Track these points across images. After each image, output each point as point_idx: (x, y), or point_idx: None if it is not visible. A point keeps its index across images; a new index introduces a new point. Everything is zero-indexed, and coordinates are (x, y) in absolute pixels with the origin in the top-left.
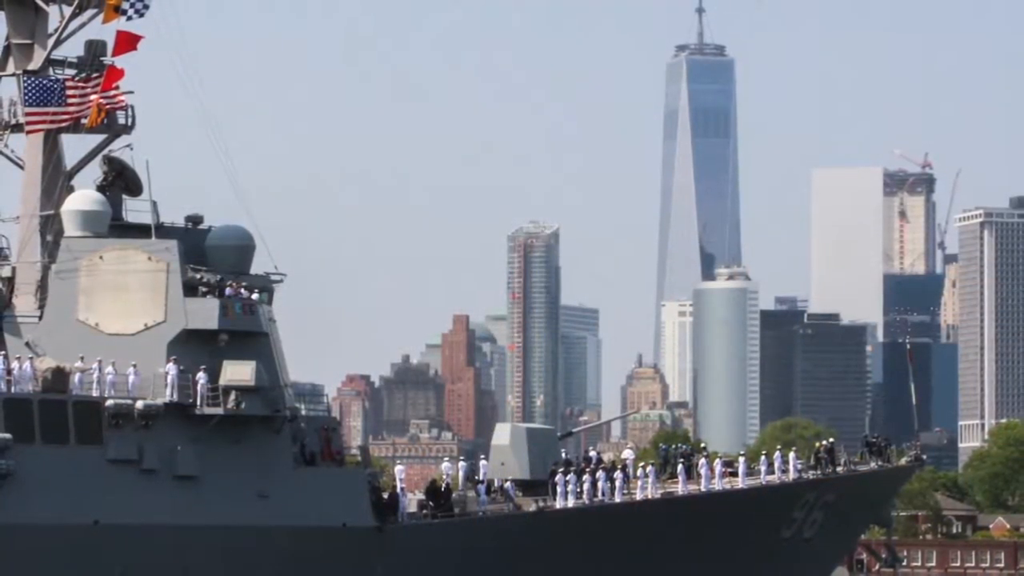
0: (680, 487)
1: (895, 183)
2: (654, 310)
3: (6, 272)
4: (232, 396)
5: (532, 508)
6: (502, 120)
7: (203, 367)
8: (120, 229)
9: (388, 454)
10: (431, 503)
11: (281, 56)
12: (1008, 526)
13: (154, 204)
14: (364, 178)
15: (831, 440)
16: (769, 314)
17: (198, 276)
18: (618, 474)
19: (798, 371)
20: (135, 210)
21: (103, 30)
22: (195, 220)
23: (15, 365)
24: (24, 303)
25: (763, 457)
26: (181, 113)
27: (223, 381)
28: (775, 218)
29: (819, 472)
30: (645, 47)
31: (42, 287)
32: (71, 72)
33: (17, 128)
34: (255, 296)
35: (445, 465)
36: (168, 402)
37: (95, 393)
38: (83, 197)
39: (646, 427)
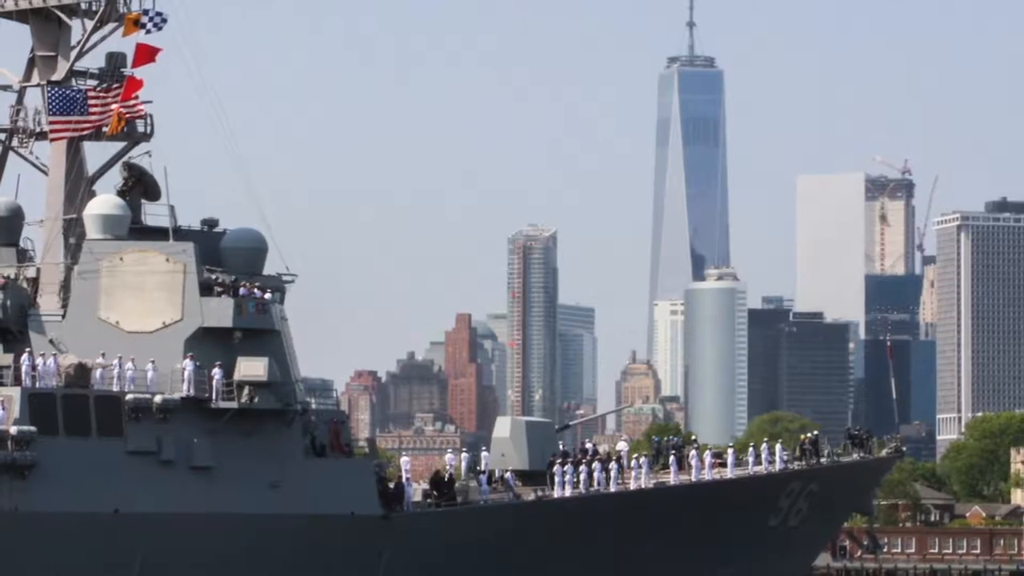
0: (672, 477)
1: (876, 188)
2: (647, 309)
3: (31, 273)
4: (246, 391)
5: (531, 497)
6: (504, 129)
7: (218, 363)
8: (139, 232)
9: (394, 446)
10: (435, 492)
11: (290, 63)
12: (984, 514)
13: (172, 208)
14: (371, 184)
15: (815, 433)
16: (756, 313)
17: (214, 277)
18: (613, 465)
19: (784, 367)
20: (153, 214)
21: (123, 43)
22: (211, 224)
23: (39, 361)
24: (48, 302)
25: (751, 449)
26: (197, 121)
27: (237, 376)
28: (762, 222)
29: (804, 463)
30: (638, 59)
31: (65, 287)
32: (93, 83)
33: (41, 136)
34: (268, 296)
35: (448, 456)
36: (185, 396)
37: (115, 388)
38: (104, 202)
39: (639, 420)
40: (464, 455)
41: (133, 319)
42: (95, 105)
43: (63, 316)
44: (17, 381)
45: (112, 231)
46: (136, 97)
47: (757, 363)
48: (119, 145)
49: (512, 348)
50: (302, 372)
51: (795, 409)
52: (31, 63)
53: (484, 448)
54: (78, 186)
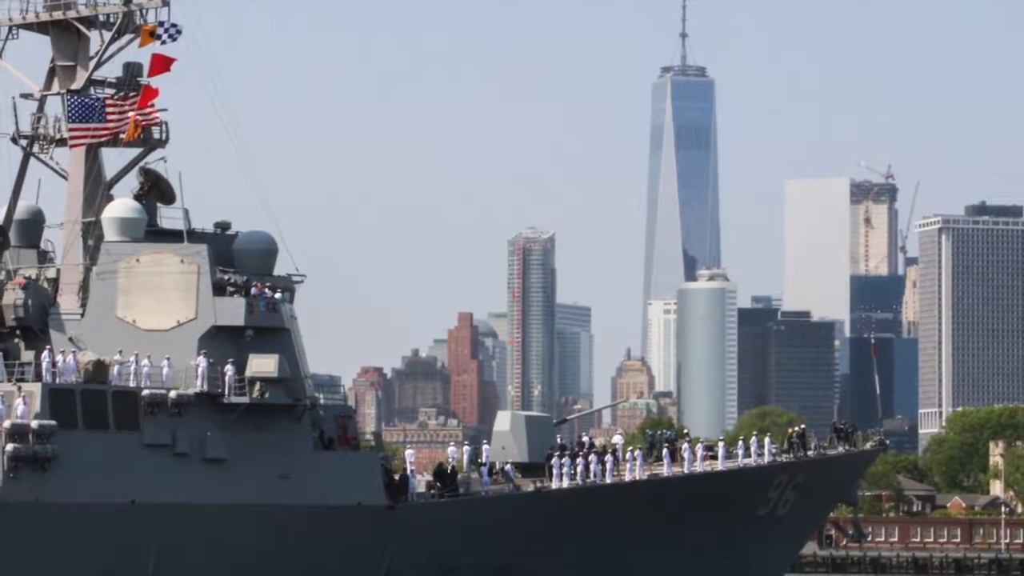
0: (665, 469)
1: (861, 192)
2: (641, 308)
3: (51, 273)
4: (257, 386)
5: (530, 489)
6: (505, 134)
7: (231, 360)
8: (155, 234)
9: (399, 439)
10: (438, 484)
11: (296, 68)
12: (963, 505)
13: (186, 212)
14: (377, 188)
15: (802, 426)
16: (746, 312)
17: (226, 277)
18: (609, 457)
19: (772, 364)
20: (169, 217)
21: (139, 53)
22: (223, 226)
23: (59, 358)
24: (68, 302)
25: (740, 442)
26: (210, 128)
27: (249, 373)
28: (751, 225)
29: (791, 456)
30: (633, 69)
31: (84, 287)
32: (110, 91)
33: (61, 143)
34: (278, 295)
35: (451, 449)
36: (199, 392)
37: (132, 384)
38: (121, 205)
39: (634, 415)
40: (466, 448)
41: (149, 318)
42: (113, 113)
43: (82, 315)
44: (38, 377)
45: (129, 233)
46: (152, 105)
47: (747, 360)
48: (136, 151)
49: (512, 346)
50: (311, 368)
51: (783, 404)
52: (51, 72)
53: (485, 441)
54: (96, 190)
